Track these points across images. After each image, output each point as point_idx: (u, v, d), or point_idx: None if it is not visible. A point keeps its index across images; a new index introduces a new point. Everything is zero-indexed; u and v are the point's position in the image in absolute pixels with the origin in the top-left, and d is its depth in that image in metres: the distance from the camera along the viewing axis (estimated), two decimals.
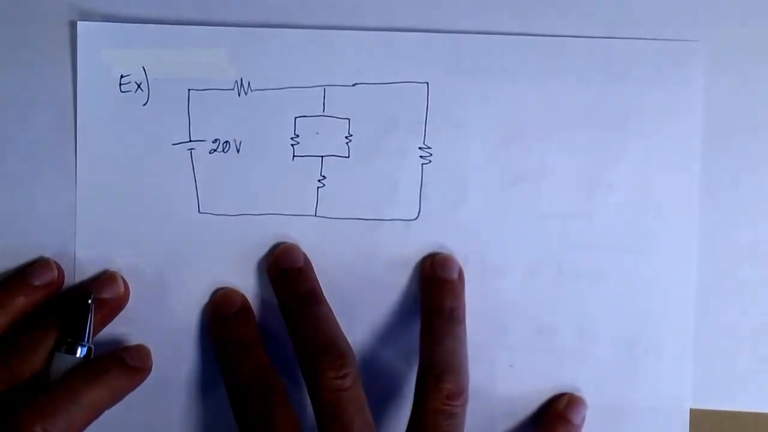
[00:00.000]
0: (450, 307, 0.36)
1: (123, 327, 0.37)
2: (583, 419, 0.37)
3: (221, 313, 0.37)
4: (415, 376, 0.35)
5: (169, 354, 0.38)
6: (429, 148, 0.37)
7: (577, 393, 0.37)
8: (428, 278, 0.37)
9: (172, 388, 0.38)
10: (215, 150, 0.37)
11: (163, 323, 0.38)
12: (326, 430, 0.33)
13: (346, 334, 0.35)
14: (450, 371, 0.34)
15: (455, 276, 0.36)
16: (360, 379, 0.34)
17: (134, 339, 0.37)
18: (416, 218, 0.37)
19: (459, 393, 0.34)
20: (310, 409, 0.34)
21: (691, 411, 0.37)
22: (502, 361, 0.38)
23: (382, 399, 0.38)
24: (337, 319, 0.36)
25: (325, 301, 0.36)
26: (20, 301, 0.36)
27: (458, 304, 0.36)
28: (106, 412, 0.34)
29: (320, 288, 0.37)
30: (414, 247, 0.37)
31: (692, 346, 0.37)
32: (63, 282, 0.37)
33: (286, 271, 0.36)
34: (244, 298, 0.37)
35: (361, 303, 0.37)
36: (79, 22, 0.37)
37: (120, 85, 0.37)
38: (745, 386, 0.37)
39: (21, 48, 0.37)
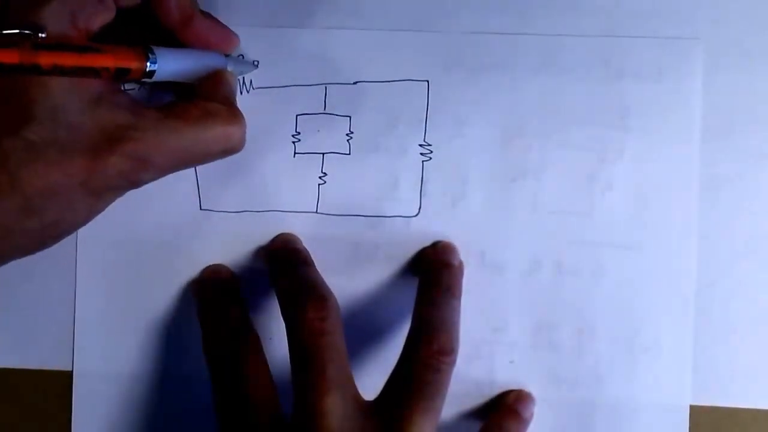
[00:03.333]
0: (448, 284, 0.35)
1: (122, 323, 0.38)
2: (532, 415, 0.37)
3: (205, 278, 0.37)
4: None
5: (170, 350, 0.38)
6: (429, 145, 0.37)
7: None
8: (429, 259, 0.37)
9: (173, 382, 0.38)
10: None
11: (164, 319, 0.38)
12: (300, 376, 0.32)
13: (345, 330, 0.35)
14: (443, 330, 0.33)
15: (456, 263, 0.37)
16: (342, 329, 0.33)
17: (134, 335, 0.38)
18: (417, 215, 0.37)
19: (450, 350, 0.33)
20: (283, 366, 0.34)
21: (691, 408, 0.37)
22: (502, 358, 0.38)
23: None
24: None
25: (315, 266, 0.36)
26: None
27: (456, 283, 0.36)
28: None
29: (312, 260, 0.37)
30: (414, 243, 0.37)
31: (692, 342, 0.37)
32: None
33: (279, 248, 0.37)
34: (228, 269, 0.38)
35: (361, 299, 0.38)
36: None
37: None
38: (745, 383, 0.37)
39: None
